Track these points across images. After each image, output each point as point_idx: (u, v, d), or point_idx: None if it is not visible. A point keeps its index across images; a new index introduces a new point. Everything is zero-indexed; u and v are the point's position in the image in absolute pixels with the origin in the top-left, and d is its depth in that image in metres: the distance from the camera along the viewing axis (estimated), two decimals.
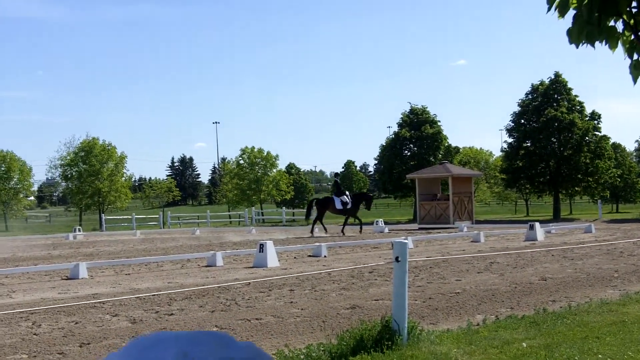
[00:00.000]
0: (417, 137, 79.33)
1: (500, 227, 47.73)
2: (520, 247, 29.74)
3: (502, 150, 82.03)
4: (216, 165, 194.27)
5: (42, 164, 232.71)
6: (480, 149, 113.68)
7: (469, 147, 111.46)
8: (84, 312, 15.08)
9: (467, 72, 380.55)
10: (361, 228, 44.84)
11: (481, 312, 13.98)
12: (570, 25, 4.82)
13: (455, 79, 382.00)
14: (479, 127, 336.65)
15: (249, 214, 78.44)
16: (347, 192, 45.62)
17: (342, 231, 44.31)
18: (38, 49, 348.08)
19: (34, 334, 12.72)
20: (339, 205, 44.20)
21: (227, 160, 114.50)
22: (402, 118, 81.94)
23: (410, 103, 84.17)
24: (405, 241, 11.37)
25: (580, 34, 4.77)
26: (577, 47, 4.84)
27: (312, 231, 44.06)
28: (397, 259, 10.77)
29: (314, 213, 46.08)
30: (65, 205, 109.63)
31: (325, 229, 44.98)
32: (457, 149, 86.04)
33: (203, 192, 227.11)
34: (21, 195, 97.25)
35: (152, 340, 0.94)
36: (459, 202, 56.07)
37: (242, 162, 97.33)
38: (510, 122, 73.22)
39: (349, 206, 44.25)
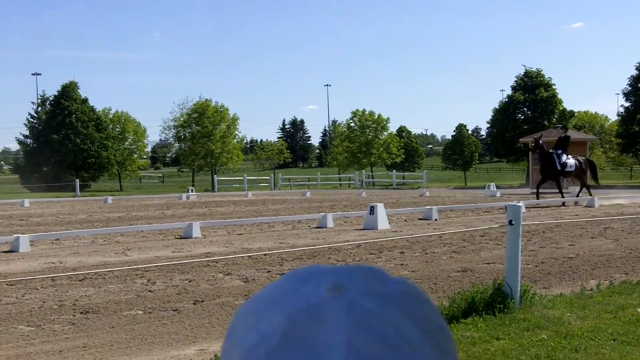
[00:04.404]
0: (531, 101, 78.42)
1: (615, 192, 46.77)
2: (635, 212, 29.08)
3: (618, 115, 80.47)
4: (327, 128, 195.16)
5: (156, 125, 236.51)
6: (596, 113, 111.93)
7: (584, 111, 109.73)
8: (198, 270, 15.29)
9: (584, 35, 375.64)
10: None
11: (595, 277, 13.77)
12: None
13: (571, 42, 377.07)
14: (595, 90, 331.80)
15: (359, 176, 78.40)
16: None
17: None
18: (155, 11, 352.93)
19: (149, 291, 12.95)
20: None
21: (337, 123, 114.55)
22: (516, 81, 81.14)
23: (524, 66, 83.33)
24: (520, 204, 11.23)
25: None
26: None
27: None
28: (510, 222, 10.65)
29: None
30: (178, 166, 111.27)
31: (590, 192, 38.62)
32: (571, 112, 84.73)
33: (313, 155, 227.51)
34: (135, 156, 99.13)
35: (308, 272, 0.94)
36: None
37: (352, 124, 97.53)
38: (627, 86, 71.94)
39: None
